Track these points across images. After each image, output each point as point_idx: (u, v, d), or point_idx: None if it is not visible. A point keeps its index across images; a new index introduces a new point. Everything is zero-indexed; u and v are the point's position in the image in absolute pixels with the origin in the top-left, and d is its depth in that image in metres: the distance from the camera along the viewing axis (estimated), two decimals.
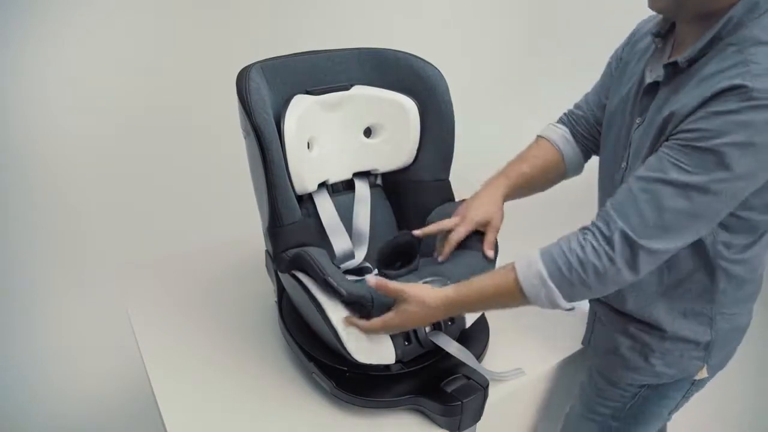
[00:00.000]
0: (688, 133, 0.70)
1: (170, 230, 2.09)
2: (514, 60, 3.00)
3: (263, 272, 1.15)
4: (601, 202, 0.98)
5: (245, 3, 2.21)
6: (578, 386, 1.10)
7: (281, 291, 1.07)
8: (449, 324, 0.95)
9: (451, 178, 1.11)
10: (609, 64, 1.01)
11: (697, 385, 0.98)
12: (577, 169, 1.08)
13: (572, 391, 1.16)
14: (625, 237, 0.72)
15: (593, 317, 1.06)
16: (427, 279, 0.93)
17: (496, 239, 0.98)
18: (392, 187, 1.15)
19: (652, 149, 0.78)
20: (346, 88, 1.05)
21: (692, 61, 0.76)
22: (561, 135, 1.05)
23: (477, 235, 0.99)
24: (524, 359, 1.02)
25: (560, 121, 1.08)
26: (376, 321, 0.84)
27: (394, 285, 0.84)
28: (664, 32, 0.85)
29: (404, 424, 0.90)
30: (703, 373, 0.94)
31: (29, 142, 1.98)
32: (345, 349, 0.85)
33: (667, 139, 0.74)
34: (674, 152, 0.71)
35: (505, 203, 1.02)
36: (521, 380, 1.00)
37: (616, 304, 0.96)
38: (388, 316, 0.84)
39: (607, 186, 0.95)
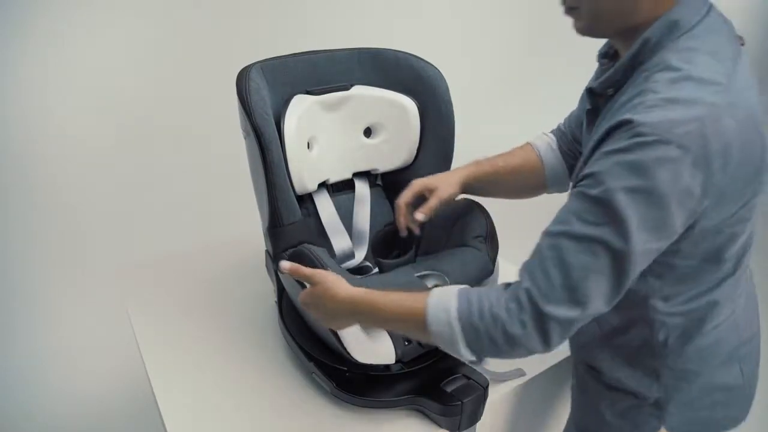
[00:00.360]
0: (585, 178, 0.63)
1: (170, 230, 2.09)
2: (514, 60, 3.00)
3: (263, 272, 1.15)
4: None
5: (245, 3, 2.21)
6: None
7: (281, 291, 1.07)
8: None
9: None
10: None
11: None
12: (561, 182, 0.99)
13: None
14: (531, 300, 0.64)
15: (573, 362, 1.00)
16: (423, 273, 0.92)
17: (436, 207, 0.94)
18: (392, 187, 1.15)
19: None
20: (346, 88, 1.05)
21: (617, 87, 0.69)
22: (547, 143, 1.00)
23: (474, 232, 0.99)
24: (524, 359, 1.02)
25: (552, 131, 1.03)
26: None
27: (306, 269, 0.79)
28: (612, 53, 0.77)
29: (404, 424, 0.90)
30: None
31: (29, 142, 1.99)
32: (345, 349, 0.85)
33: (575, 185, 0.66)
34: (575, 201, 0.64)
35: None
36: (521, 380, 1.00)
37: (577, 342, 0.91)
38: (303, 292, 0.81)
39: None
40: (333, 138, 1.06)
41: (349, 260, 1.08)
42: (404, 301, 0.74)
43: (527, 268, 0.66)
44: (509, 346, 0.66)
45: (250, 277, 1.26)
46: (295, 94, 1.00)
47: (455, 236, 1.01)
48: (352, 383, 0.91)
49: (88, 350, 1.99)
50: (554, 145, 0.99)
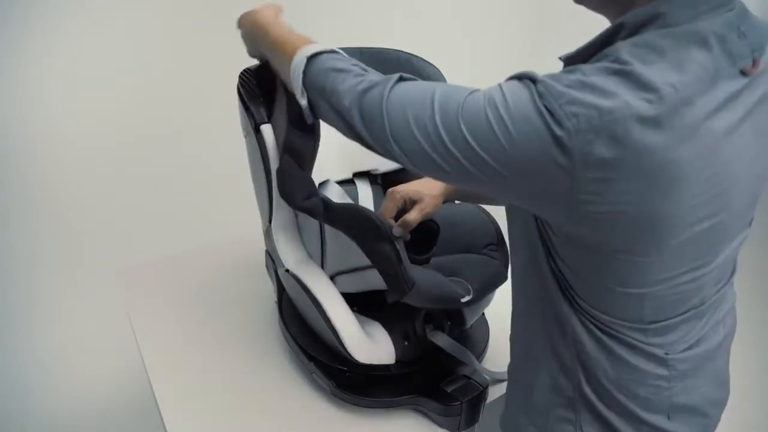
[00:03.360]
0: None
1: (170, 230, 2.09)
2: (515, 60, 3.00)
3: (263, 272, 1.15)
4: None
5: (246, 4, 2.22)
6: None
7: (281, 291, 1.07)
8: (449, 324, 0.95)
9: None
10: None
11: None
12: None
13: None
14: (372, 89, 0.63)
15: None
16: (450, 279, 0.91)
17: (417, 220, 0.89)
18: (392, 187, 1.15)
19: None
20: None
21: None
22: None
23: (484, 240, 0.98)
24: None
25: None
26: None
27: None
28: None
29: (404, 424, 0.90)
30: None
31: (28, 142, 1.99)
32: (345, 349, 0.85)
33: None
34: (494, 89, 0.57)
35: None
36: None
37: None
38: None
39: None
40: (333, 138, 1.06)
41: None
42: (295, 38, 0.77)
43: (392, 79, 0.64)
44: (333, 96, 0.67)
45: (250, 277, 1.26)
46: None
47: (462, 240, 1.00)
48: (352, 383, 0.91)
49: (88, 350, 1.99)
50: None
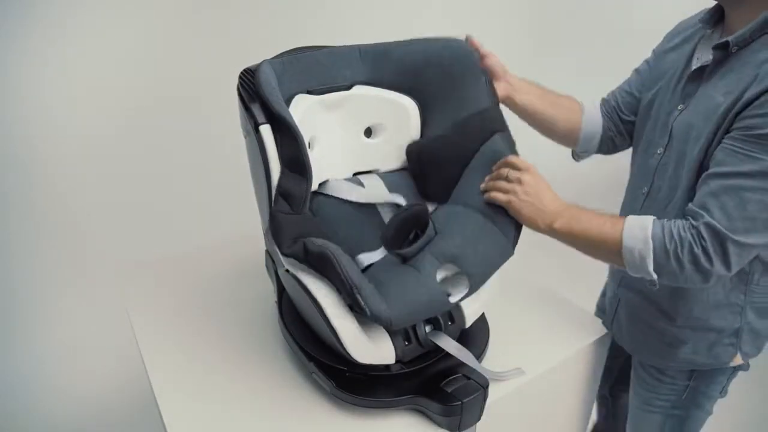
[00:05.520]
0: (753, 119, 0.74)
1: (170, 230, 2.10)
2: (515, 60, 3.00)
3: (263, 272, 1.15)
4: (631, 191, 1.03)
5: (245, 3, 2.22)
6: (630, 378, 1.16)
7: (281, 291, 1.07)
8: (449, 324, 0.95)
9: None
10: (646, 61, 1.06)
11: (740, 367, 1.03)
12: (591, 139, 1.12)
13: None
14: (711, 228, 0.76)
15: (616, 302, 1.11)
16: (443, 273, 0.90)
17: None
18: (419, 155, 1.07)
19: (712, 138, 0.80)
20: (347, 88, 1.05)
21: (743, 45, 0.79)
22: (591, 101, 1.14)
23: (502, 211, 0.94)
24: (524, 359, 1.02)
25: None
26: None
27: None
28: (714, 20, 0.90)
29: (404, 424, 0.90)
30: (738, 360, 0.99)
31: (29, 142, 1.99)
32: (345, 349, 0.85)
33: (729, 131, 0.77)
34: (743, 144, 0.75)
35: None
36: (521, 380, 1.00)
37: (643, 292, 1.01)
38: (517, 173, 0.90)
39: (639, 173, 1.00)
40: (334, 138, 1.06)
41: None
42: (599, 222, 0.86)
43: (700, 205, 0.78)
44: (693, 266, 0.78)
45: (250, 277, 1.26)
46: (297, 92, 1.00)
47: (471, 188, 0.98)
48: (352, 383, 0.91)
49: (88, 350, 2.00)
50: (597, 104, 1.14)
